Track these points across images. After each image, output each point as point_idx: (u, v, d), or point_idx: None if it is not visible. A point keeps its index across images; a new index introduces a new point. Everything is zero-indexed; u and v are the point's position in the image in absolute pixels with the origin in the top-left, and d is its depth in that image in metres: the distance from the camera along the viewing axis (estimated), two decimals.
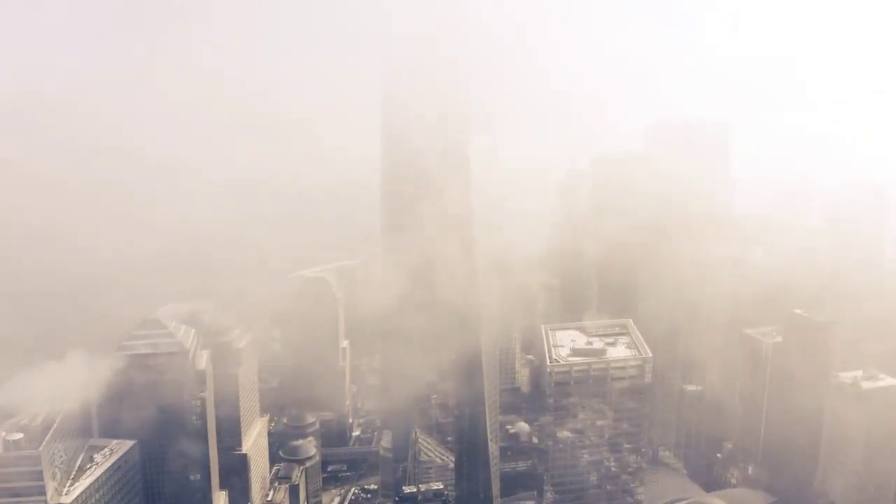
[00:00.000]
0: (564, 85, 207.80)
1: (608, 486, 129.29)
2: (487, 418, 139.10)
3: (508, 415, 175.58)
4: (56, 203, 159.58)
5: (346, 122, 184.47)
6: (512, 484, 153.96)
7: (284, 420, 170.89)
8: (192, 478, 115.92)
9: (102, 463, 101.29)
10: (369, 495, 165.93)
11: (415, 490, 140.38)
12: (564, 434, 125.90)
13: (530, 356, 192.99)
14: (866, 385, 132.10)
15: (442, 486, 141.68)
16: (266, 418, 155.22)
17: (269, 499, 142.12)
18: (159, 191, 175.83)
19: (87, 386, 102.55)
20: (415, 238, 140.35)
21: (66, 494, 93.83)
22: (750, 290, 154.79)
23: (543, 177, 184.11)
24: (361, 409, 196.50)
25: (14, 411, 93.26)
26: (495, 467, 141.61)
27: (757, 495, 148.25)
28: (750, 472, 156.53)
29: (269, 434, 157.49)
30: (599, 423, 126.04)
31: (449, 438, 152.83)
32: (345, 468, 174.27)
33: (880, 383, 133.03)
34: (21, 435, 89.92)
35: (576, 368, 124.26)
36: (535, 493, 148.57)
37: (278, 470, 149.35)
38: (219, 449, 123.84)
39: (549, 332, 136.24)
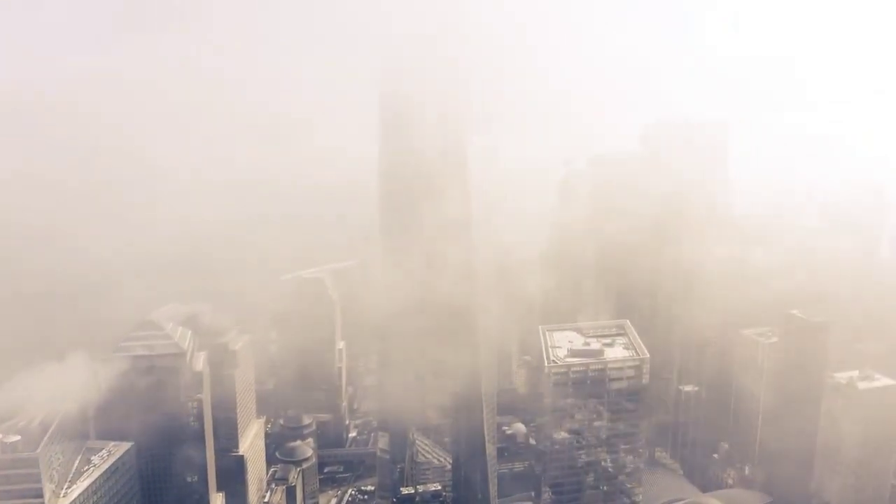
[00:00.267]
0: (564, 85, 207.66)
1: (605, 487, 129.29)
2: (485, 419, 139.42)
3: (505, 416, 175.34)
4: (56, 203, 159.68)
5: (346, 123, 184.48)
6: (509, 485, 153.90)
7: (281, 421, 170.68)
8: (189, 480, 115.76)
9: (100, 465, 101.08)
10: (366, 497, 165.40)
11: (412, 491, 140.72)
12: (562, 435, 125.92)
13: (527, 357, 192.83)
14: (862, 385, 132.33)
15: (439, 488, 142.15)
16: (263, 420, 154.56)
17: (265, 500, 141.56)
18: (159, 191, 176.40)
19: (85, 387, 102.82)
20: (414, 238, 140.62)
21: (63, 497, 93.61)
22: (749, 291, 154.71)
23: (543, 177, 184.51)
24: (358, 411, 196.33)
25: (13, 413, 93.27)
26: (493, 468, 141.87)
27: (753, 495, 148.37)
28: (746, 472, 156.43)
29: (266, 435, 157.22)
30: (596, 423, 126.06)
31: (446, 439, 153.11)
32: (342, 469, 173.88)
33: (876, 383, 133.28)
34: (18, 437, 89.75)
35: (573, 369, 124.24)
36: (533, 493, 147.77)
37: (275, 471, 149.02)
38: (216, 450, 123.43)
39: (547, 332, 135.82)
